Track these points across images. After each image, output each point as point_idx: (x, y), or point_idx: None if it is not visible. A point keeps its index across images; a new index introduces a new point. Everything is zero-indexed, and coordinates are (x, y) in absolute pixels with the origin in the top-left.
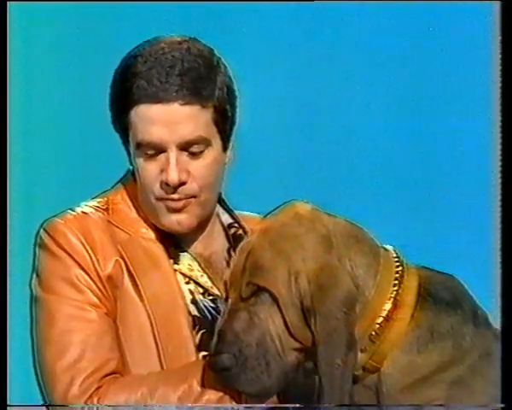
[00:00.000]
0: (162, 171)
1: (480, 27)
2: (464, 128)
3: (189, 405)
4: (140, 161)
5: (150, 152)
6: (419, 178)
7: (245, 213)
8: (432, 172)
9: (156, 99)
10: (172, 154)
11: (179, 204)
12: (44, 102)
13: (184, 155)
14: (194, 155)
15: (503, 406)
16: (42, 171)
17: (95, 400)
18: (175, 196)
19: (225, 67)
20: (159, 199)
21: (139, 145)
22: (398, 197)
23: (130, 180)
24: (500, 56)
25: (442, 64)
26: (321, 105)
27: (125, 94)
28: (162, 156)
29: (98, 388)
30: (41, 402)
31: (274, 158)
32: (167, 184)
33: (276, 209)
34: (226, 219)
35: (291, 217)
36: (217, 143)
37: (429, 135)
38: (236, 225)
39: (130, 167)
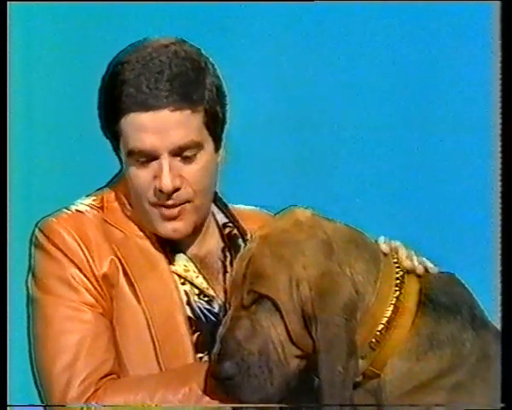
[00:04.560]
0: (155, 177)
1: (480, 27)
2: (464, 128)
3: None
4: (132, 169)
5: (142, 159)
6: (419, 178)
7: (241, 206)
8: (432, 172)
9: (146, 107)
10: (165, 160)
11: (174, 211)
12: (44, 102)
13: (177, 161)
14: (186, 160)
15: (503, 406)
16: (41, 170)
17: (93, 402)
18: (169, 202)
19: (213, 66)
20: (153, 205)
21: (130, 153)
22: (398, 198)
23: (125, 178)
24: (500, 56)
25: (442, 64)
26: (318, 105)
27: (114, 102)
28: (155, 163)
29: (96, 390)
30: (41, 402)
31: (270, 155)
32: (161, 191)
33: (275, 214)
34: (221, 218)
35: (291, 223)
36: (209, 145)
37: (428, 135)
38: (231, 224)
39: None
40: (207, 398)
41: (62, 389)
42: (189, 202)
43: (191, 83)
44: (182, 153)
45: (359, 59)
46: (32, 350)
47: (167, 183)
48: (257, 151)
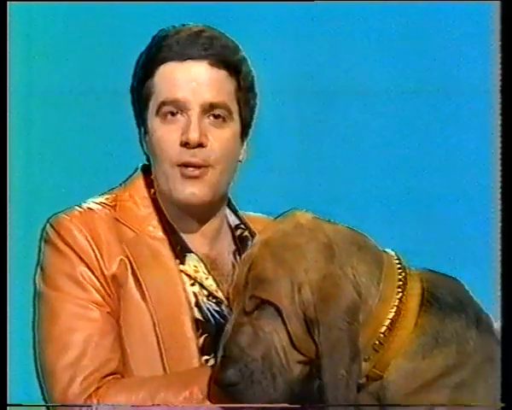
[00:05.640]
0: (182, 134)
1: (480, 27)
2: (464, 129)
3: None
4: (160, 126)
5: (173, 110)
6: (420, 180)
7: (251, 213)
8: (432, 174)
9: (184, 56)
10: (194, 114)
11: (195, 172)
12: (44, 102)
13: (206, 121)
14: (215, 123)
15: (503, 405)
16: (44, 167)
17: (94, 400)
18: (193, 159)
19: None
20: (176, 164)
21: (162, 104)
22: (400, 200)
23: (139, 177)
24: (500, 56)
25: (442, 64)
26: (324, 109)
27: (152, 55)
28: (183, 118)
29: (98, 388)
30: (41, 402)
31: (277, 161)
32: (187, 144)
33: (277, 217)
34: (233, 220)
35: (292, 227)
36: (236, 122)
37: (429, 135)
38: (243, 226)
39: (139, 165)
40: (208, 402)
41: (65, 385)
42: (210, 166)
43: (230, 49)
44: (211, 111)
45: (359, 60)
46: (37, 346)
47: (195, 134)
48: (263, 156)
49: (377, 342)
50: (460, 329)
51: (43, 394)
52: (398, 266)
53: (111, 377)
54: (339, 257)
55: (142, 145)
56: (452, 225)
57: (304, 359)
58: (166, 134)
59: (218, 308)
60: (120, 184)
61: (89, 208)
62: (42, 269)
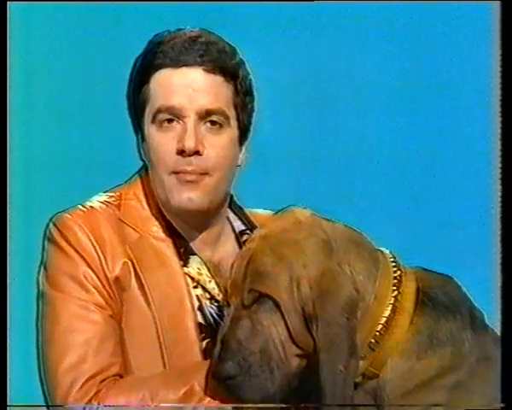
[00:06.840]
0: (178, 141)
1: (480, 27)
2: (464, 129)
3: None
4: (156, 133)
5: (168, 118)
6: (418, 179)
7: (258, 210)
8: (431, 173)
9: (179, 63)
10: (191, 121)
11: (192, 176)
12: (44, 102)
13: (202, 128)
14: (211, 129)
15: (503, 406)
16: (44, 166)
17: (95, 403)
18: (189, 167)
19: (248, 69)
20: (172, 172)
21: (158, 112)
22: (398, 199)
23: (144, 176)
24: (500, 56)
25: (442, 64)
26: (320, 109)
27: (147, 61)
28: (179, 126)
29: (98, 391)
30: (41, 402)
31: (275, 161)
32: (183, 152)
33: (275, 214)
34: (238, 225)
35: (291, 223)
36: (234, 128)
37: (429, 136)
38: (249, 231)
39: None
40: (208, 397)
41: (67, 389)
42: (207, 174)
43: (226, 54)
44: (208, 118)
45: (358, 61)
46: (39, 346)
47: (191, 142)
48: (262, 157)
49: (373, 341)
50: (455, 330)
51: (44, 394)
52: (394, 264)
53: (111, 378)
54: (337, 254)
55: (139, 153)
56: (451, 226)
57: (302, 353)
58: (163, 142)
59: (219, 312)
60: (126, 182)
61: (92, 208)
62: (45, 268)
